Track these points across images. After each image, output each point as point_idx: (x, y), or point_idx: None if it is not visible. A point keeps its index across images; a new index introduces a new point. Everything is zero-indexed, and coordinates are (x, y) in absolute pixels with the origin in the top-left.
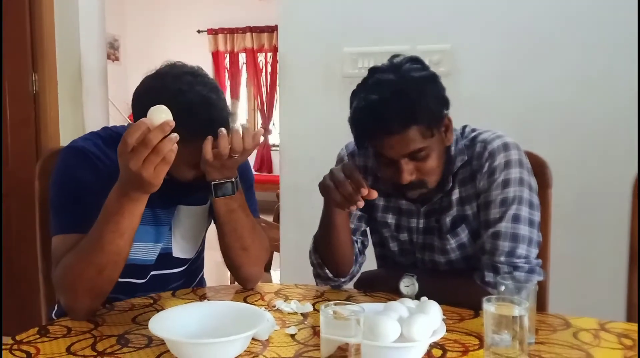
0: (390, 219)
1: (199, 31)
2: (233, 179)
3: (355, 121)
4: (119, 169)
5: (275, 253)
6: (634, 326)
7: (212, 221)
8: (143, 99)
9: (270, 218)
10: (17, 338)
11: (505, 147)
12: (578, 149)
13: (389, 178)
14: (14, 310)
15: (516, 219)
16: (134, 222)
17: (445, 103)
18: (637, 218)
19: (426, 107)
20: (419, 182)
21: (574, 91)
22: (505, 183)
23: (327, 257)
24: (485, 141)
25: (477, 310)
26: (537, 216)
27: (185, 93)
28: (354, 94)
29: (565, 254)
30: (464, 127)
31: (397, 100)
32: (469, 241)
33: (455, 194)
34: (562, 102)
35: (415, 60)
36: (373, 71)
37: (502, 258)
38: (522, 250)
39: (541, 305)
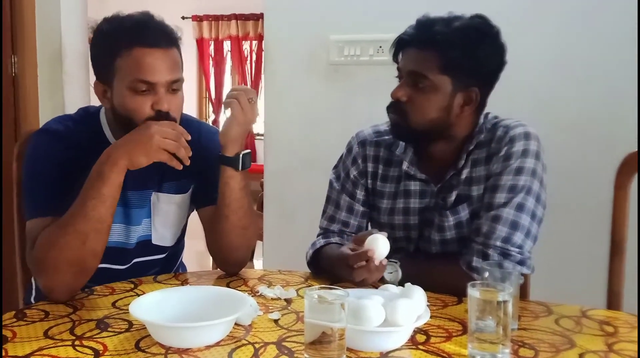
0: (399, 204)
1: (183, 17)
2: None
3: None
4: (87, 149)
5: (258, 242)
6: (616, 313)
7: (194, 209)
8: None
9: (253, 207)
10: None
11: (527, 136)
12: (558, 135)
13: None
14: None
15: (520, 208)
16: (113, 190)
17: (479, 70)
18: (618, 206)
19: (455, 47)
20: (400, 110)
21: (552, 73)
22: (519, 171)
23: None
24: (508, 127)
25: (460, 297)
26: (540, 212)
27: (132, 15)
28: None
29: (545, 241)
30: (487, 113)
31: (440, 24)
32: (467, 222)
33: (465, 174)
34: (540, 85)
35: (488, 27)
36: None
37: (498, 243)
38: (518, 238)
39: (523, 293)
